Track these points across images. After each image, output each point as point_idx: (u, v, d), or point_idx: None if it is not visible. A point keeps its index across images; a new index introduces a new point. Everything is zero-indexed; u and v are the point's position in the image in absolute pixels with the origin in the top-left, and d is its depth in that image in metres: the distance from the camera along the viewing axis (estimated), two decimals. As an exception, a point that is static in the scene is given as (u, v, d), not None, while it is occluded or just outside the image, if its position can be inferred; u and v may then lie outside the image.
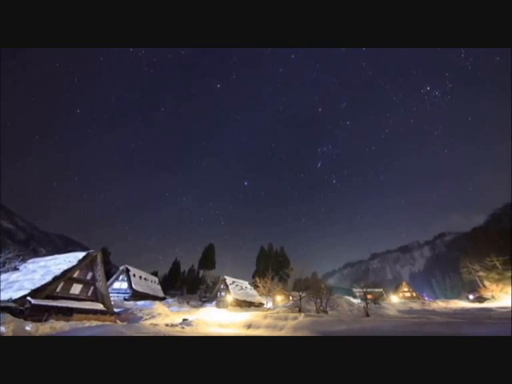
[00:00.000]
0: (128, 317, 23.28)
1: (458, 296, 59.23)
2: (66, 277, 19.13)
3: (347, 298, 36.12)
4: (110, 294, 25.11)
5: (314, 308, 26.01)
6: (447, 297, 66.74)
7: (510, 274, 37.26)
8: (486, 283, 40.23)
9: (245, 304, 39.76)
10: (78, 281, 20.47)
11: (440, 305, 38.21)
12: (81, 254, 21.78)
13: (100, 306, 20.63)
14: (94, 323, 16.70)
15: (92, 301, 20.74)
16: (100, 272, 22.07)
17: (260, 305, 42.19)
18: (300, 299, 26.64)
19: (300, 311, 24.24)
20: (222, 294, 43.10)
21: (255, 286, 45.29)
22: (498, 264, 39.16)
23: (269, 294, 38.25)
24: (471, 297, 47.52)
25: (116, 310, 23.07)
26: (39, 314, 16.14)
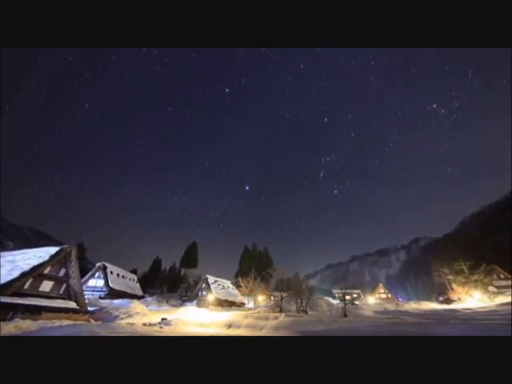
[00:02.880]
0: (103, 316, 22.28)
1: (428, 298, 62.91)
2: (35, 273, 17.92)
3: (327, 298, 37.07)
4: (85, 292, 23.90)
5: (295, 308, 26.42)
6: (419, 298, 70.67)
7: (474, 278, 40.23)
8: (454, 286, 43.09)
9: (226, 304, 39.55)
10: (48, 277, 19.26)
11: (412, 306, 40.33)
12: (53, 249, 20.51)
13: (72, 305, 19.55)
14: (65, 322, 15.82)
15: (64, 299, 19.61)
16: (74, 268, 20.92)
17: (241, 304, 42.17)
18: (281, 299, 26.95)
19: (281, 311, 24.52)
20: (204, 293, 42.55)
21: (237, 286, 45.23)
22: (465, 268, 42.14)
23: (251, 293, 38.34)
24: (440, 298, 50.71)
25: (90, 308, 21.99)
26: (3, 312, 15.00)
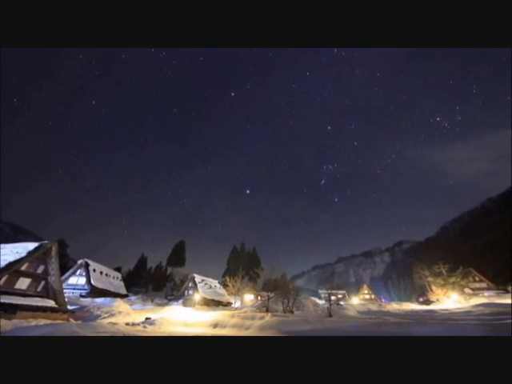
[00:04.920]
0: (83, 315, 21.48)
1: (409, 299, 65.34)
2: (11, 269, 17.00)
3: (313, 299, 37.63)
4: (65, 290, 22.94)
5: (282, 308, 26.63)
6: (401, 299, 73.31)
7: (452, 280, 42.18)
8: (433, 287, 44.97)
9: (213, 303, 39.28)
10: (26, 274, 18.32)
11: (394, 306, 41.67)
12: (32, 245, 19.55)
13: (51, 303, 18.72)
14: (43, 322, 15.14)
15: (42, 297, 18.73)
16: (54, 265, 20.03)
17: (228, 304, 42.02)
18: (268, 299, 27.08)
19: (267, 311, 24.62)
20: (190, 292, 42.03)
21: (225, 285, 45.02)
22: (443, 271, 44.06)
23: (238, 293, 38.26)
24: (420, 299, 52.84)
25: (70, 307, 21.15)
26: (-26, 310, 14.13)
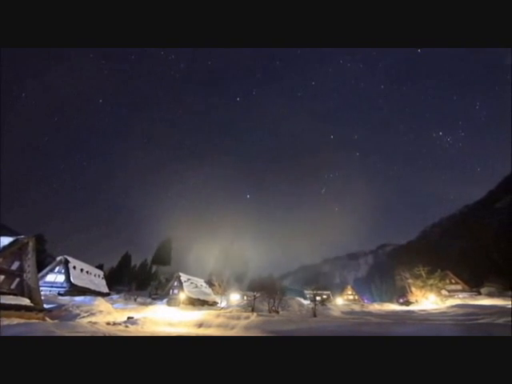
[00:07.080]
0: (61, 314, 20.54)
1: (390, 300, 67.60)
2: (-18, 265, 15.99)
3: (298, 299, 38.09)
4: (42, 288, 21.88)
5: (267, 308, 26.76)
6: (382, 300, 75.51)
7: (430, 282, 44.18)
8: (413, 289, 46.88)
9: (198, 302, 38.83)
10: (-2, 271, 17.29)
11: (376, 307, 42.96)
12: (7, 240, 18.46)
13: (26, 301, 17.75)
14: (16, 321, 14.33)
15: (15, 295, 17.73)
16: (30, 262, 19.02)
17: (214, 303, 41.71)
18: (254, 299, 27.13)
19: (253, 311, 24.66)
20: (175, 291, 41.31)
21: (211, 285, 44.65)
22: (423, 273, 46.03)
23: (224, 293, 38.06)
24: (400, 300, 54.91)
25: (47, 305, 20.17)
26: None
